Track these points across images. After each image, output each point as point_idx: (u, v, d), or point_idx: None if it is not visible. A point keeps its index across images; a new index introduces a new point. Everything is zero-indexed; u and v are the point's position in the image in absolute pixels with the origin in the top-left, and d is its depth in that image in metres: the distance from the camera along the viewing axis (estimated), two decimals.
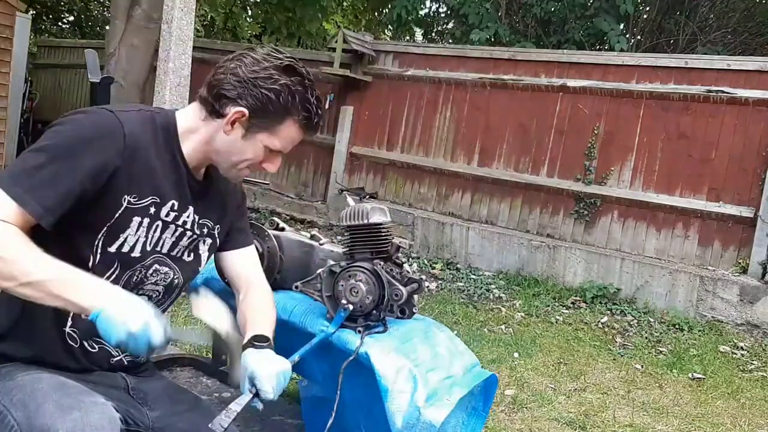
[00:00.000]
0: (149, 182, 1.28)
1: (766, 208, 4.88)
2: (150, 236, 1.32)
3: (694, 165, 5.30)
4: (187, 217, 1.38)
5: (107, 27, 8.22)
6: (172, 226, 1.36)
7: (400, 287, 1.52)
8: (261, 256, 1.74)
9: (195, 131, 1.33)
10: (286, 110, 1.29)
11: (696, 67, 5.37)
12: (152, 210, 1.30)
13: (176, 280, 1.42)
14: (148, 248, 1.33)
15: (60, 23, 14.71)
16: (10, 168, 1.18)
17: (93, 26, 14.57)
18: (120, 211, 1.25)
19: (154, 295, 1.40)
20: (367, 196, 6.65)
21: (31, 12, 10.38)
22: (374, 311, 1.54)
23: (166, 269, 1.38)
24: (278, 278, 1.77)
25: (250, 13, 12.71)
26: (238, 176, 1.40)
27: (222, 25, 12.40)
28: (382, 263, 1.56)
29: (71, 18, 14.74)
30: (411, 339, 1.55)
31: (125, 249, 1.29)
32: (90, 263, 1.26)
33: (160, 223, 1.33)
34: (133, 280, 1.33)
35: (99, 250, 1.26)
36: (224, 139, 1.31)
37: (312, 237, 1.89)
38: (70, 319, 1.30)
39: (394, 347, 1.49)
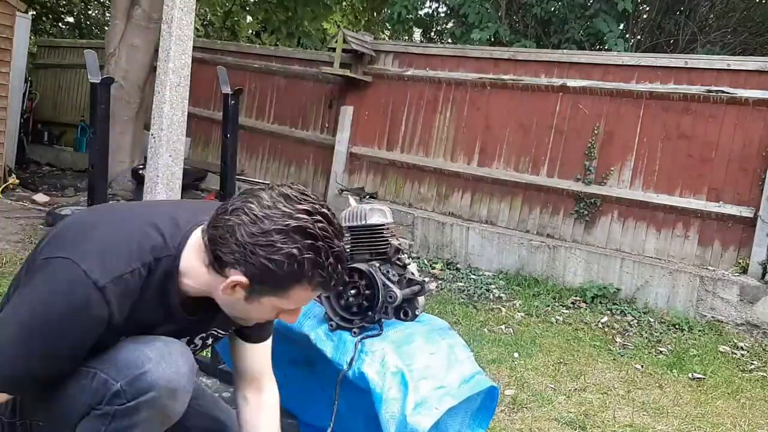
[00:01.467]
0: (138, 329, 1.22)
1: (766, 208, 4.88)
2: None
3: (694, 165, 5.30)
4: (188, 341, 1.34)
5: (107, 27, 8.22)
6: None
7: (395, 289, 1.51)
8: None
9: (197, 276, 1.20)
10: (293, 279, 1.12)
11: (696, 67, 5.36)
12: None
13: None
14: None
15: (60, 24, 14.71)
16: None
17: (93, 26, 14.58)
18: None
19: None
20: (367, 196, 6.65)
21: (31, 12, 10.37)
22: (369, 313, 1.53)
23: None
24: None
25: (249, 11, 12.70)
26: (247, 324, 1.30)
27: (220, 25, 12.39)
28: (378, 264, 1.56)
29: (71, 19, 14.76)
30: (409, 343, 1.53)
31: None
32: None
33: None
34: None
35: None
36: (225, 298, 1.18)
37: None
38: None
39: (389, 351, 1.47)
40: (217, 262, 1.13)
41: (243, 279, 1.11)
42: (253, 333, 1.44)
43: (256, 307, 1.17)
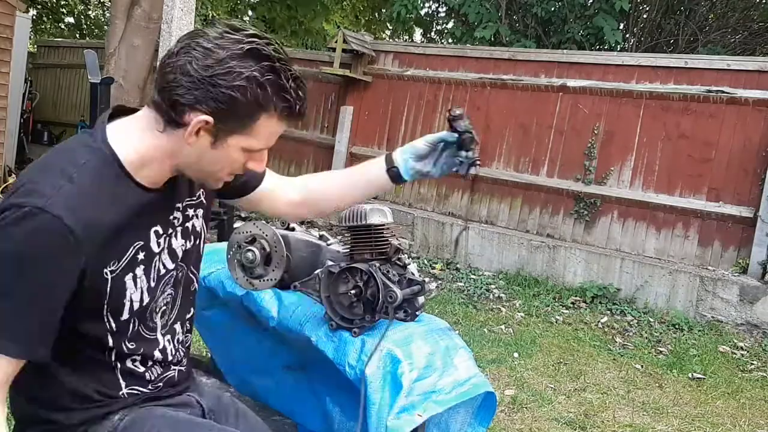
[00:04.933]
0: (121, 240, 1.11)
1: (766, 208, 4.88)
2: (152, 275, 1.19)
3: (694, 165, 5.30)
4: (174, 226, 1.23)
5: (107, 27, 8.22)
6: (166, 249, 1.22)
7: (395, 289, 1.51)
8: (268, 255, 1.74)
9: (153, 151, 1.10)
10: (258, 105, 1.06)
11: (696, 67, 5.36)
12: (141, 255, 1.15)
13: (180, 275, 1.28)
14: (153, 284, 1.20)
15: (60, 24, 14.73)
16: None
17: (93, 26, 14.59)
18: (108, 286, 1.11)
19: (169, 301, 1.27)
20: None
21: (31, 12, 10.38)
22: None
23: (171, 284, 1.26)
24: (286, 277, 1.76)
25: (251, 13, 12.71)
26: (217, 184, 1.21)
27: None
28: (378, 264, 1.56)
29: (71, 19, 14.76)
30: (408, 344, 1.53)
31: (135, 306, 1.17)
32: (110, 342, 1.16)
33: (156, 257, 1.19)
34: (147, 316, 1.22)
35: (113, 325, 1.15)
36: (189, 151, 1.09)
37: (320, 237, 1.88)
38: (118, 363, 1.20)
39: (386, 351, 1.47)
40: (174, 109, 1.05)
41: (207, 117, 1.04)
42: (251, 178, 1.42)
43: (223, 152, 1.10)
